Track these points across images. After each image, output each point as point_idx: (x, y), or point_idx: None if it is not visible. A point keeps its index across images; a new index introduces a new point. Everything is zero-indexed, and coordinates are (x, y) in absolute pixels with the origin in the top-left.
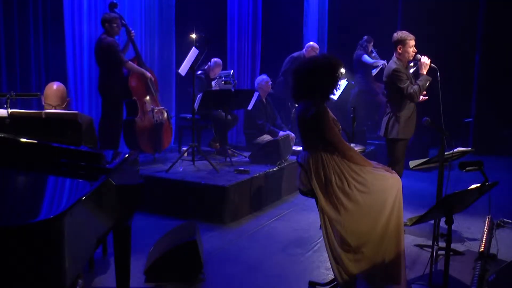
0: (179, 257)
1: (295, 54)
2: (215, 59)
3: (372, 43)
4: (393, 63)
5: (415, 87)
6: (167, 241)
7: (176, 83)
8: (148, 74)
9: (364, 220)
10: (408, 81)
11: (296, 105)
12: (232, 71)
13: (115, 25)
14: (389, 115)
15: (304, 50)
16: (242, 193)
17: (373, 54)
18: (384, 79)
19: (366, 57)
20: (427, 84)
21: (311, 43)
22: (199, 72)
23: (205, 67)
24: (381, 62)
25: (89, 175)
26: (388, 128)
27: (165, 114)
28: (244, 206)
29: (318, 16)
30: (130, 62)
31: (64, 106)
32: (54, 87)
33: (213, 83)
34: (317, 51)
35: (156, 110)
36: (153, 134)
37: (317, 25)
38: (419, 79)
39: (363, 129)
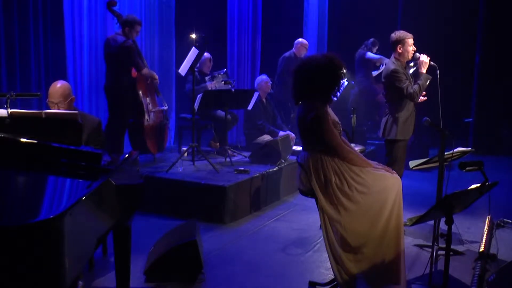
0: (179, 257)
1: (286, 54)
2: (204, 53)
3: (377, 47)
4: (391, 64)
5: (415, 86)
6: (167, 241)
7: (176, 83)
8: (157, 76)
9: (364, 220)
10: (408, 81)
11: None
12: (225, 69)
13: (135, 30)
14: (387, 116)
15: (293, 48)
16: (242, 193)
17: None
18: (382, 80)
19: (370, 54)
20: (427, 83)
21: (300, 39)
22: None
23: (197, 64)
24: (386, 60)
25: (89, 175)
26: (387, 129)
27: (166, 114)
28: (244, 206)
29: (318, 16)
30: (146, 69)
31: (66, 103)
32: (58, 85)
33: (206, 78)
34: (307, 47)
35: (160, 110)
36: (158, 134)
37: (317, 25)
38: (419, 78)
39: (363, 129)
